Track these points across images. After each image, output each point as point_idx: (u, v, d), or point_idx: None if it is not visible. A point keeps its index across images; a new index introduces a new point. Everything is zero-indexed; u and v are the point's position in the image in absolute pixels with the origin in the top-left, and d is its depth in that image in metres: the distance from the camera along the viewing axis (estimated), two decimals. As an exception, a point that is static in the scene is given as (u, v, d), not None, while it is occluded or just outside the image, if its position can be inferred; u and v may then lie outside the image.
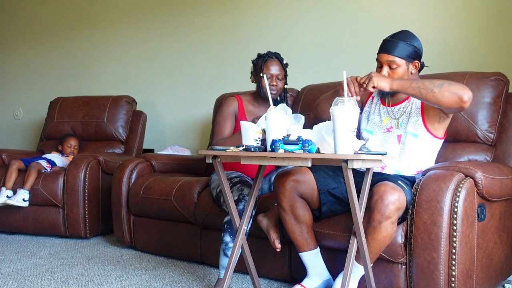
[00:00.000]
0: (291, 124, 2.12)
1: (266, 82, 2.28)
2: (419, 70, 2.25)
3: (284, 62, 2.76)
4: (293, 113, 2.16)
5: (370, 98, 2.38)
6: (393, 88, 2.07)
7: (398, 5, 3.28)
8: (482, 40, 2.99)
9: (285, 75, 2.76)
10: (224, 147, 2.02)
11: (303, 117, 2.13)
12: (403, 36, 2.17)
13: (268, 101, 2.74)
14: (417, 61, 2.18)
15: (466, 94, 2.00)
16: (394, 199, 1.94)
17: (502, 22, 2.94)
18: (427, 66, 2.27)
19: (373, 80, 2.05)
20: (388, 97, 2.29)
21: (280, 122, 1.96)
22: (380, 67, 2.19)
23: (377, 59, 2.21)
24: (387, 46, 2.16)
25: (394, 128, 2.23)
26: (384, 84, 2.06)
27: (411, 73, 2.18)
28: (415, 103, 2.21)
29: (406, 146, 2.20)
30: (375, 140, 2.26)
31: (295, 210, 2.20)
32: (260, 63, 2.73)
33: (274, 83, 2.70)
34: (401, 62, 2.14)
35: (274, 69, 2.70)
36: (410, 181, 2.18)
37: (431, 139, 2.20)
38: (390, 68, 2.15)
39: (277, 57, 2.76)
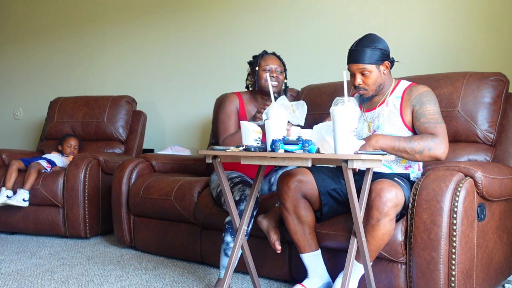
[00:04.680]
0: (296, 110, 2.17)
1: (268, 78, 2.24)
2: (391, 67, 2.28)
3: (283, 61, 2.75)
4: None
5: None
6: (377, 148, 2.10)
7: (399, 5, 3.28)
8: (482, 40, 2.99)
9: (285, 70, 2.75)
10: (224, 147, 2.02)
11: (305, 104, 2.18)
12: (367, 41, 2.19)
13: (267, 100, 2.75)
14: (386, 61, 2.22)
15: (442, 155, 2.12)
16: (391, 196, 1.95)
17: (502, 22, 2.94)
18: (397, 61, 2.30)
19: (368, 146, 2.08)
20: (364, 104, 2.34)
21: (281, 119, 1.97)
22: (353, 76, 2.22)
23: (348, 70, 2.23)
24: (355, 55, 2.19)
25: (367, 132, 2.26)
26: (368, 147, 2.08)
27: (383, 74, 2.22)
28: (393, 105, 2.24)
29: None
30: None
31: (298, 211, 2.20)
32: (256, 59, 2.73)
33: (275, 75, 2.68)
34: (371, 68, 2.18)
35: (273, 63, 2.69)
36: (405, 178, 2.19)
37: (411, 134, 2.22)
38: (363, 75, 2.20)
39: (274, 53, 2.75)
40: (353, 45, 2.22)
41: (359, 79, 2.21)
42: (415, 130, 2.22)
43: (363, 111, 2.32)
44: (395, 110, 2.23)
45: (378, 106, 2.27)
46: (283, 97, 2.23)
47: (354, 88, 2.26)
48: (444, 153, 2.12)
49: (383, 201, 1.94)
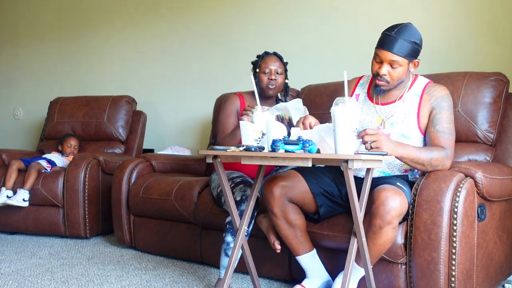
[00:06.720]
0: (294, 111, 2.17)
1: (253, 81, 2.27)
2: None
3: (284, 60, 2.77)
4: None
5: (354, 95, 2.30)
6: (397, 156, 1.96)
7: (399, 4, 3.28)
8: (482, 40, 2.99)
9: (285, 70, 2.76)
10: (224, 147, 2.02)
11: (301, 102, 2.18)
12: (408, 32, 2.04)
13: (269, 100, 2.75)
14: (417, 60, 2.12)
15: (448, 169, 2.07)
16: (396, 205, 1.91)
17: (503, 22, 2.94)
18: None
19: (380, 146, 1.89)
20: (378, 95, 2.20)
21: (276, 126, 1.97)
22: (379, 62, 2.09)
23: (376, 53, 2.09)
24: (392, 43, 2.03)
25: (381, 128, 2.15)
26: (389, 150, 1.91)
27: (409, 71, 2.11)
28: (410, 103, 2.14)
29: None
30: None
31: (287, 215, 2.18)
32: (257, 61, 2.75)
33: (273, 77, 2.69)
34: (404, 62, 2.05)
35: (273, 64, 2.70)
36: (404, 179, 2.16)
37: (421, 138, 2.16)
38: (392, 66, 2.07)
39: (275, 54, 2.76)
40: (391, 29, 2.06)
41: (385, 69, 2.06)
42: (425, 132, 2.14)
43: (376, 103, 2.20)
44: (412, 108, 2.13)
45: (396, 101, 2.16)
46: (298, 100, 2.23)
47: (373, 75, 2.12)
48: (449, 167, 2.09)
49: (387, 210, 1.90)
